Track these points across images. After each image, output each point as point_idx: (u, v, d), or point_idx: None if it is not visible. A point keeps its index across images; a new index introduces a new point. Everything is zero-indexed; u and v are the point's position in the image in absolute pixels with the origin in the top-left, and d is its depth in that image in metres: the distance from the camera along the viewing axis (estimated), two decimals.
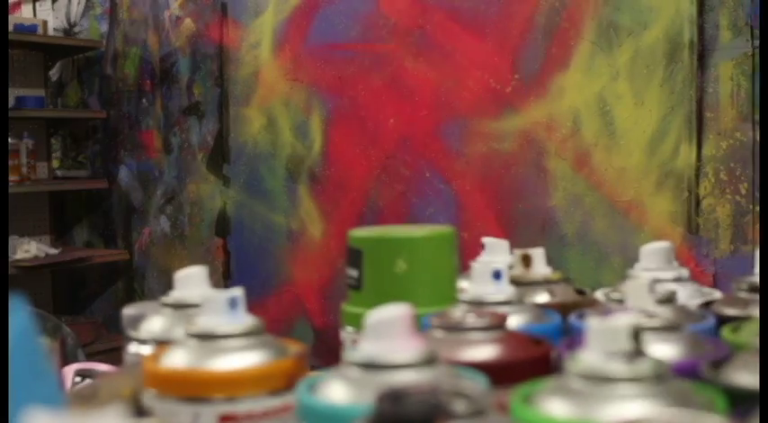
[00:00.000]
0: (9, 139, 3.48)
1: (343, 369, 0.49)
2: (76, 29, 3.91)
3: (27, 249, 3.55)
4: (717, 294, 0.82)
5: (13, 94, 3.72)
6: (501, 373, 0.52)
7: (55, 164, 4.03)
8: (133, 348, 0.72)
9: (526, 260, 0.85)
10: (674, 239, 2.28)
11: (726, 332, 0.63)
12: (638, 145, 2.40)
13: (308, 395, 0.49)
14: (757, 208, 2.21)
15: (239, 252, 3.33)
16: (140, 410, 0.58)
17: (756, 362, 0.49)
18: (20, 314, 0.45)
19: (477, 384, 0.47)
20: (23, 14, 4.02)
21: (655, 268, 0.83)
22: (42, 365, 0.46)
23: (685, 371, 0.49)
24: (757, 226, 2.21)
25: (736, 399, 0.46)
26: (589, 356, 0.45)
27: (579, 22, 2.49)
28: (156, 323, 0.72)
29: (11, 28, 3.56)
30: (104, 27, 3.79)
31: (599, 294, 0.84)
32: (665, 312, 0.60)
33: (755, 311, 0.70)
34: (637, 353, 0.44)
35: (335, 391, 0.48)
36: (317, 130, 3.08)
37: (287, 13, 3.13)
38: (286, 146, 3.17)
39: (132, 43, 3.68)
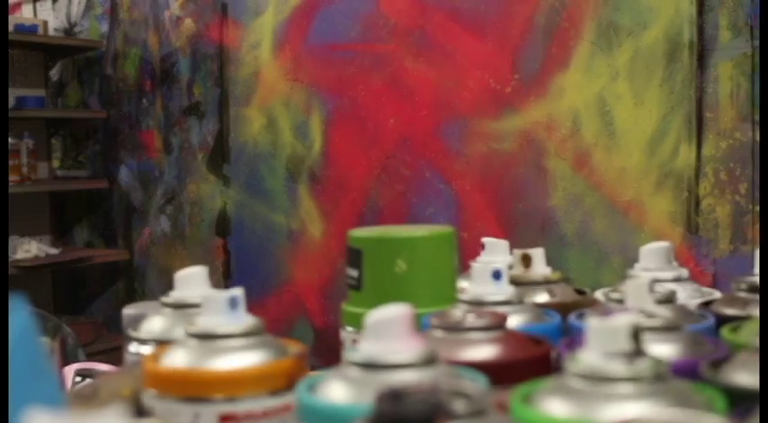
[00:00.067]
0: (9, 139, 3.48)
1: (343, 369, 0.50)
2: (77, 29, 3.91)
3: (27, 249, 3.56)
4: (716, 294, 0.82)
5: (14, 94, 3.72)
6: (501, 373, 0.52)
7: (55, 164, 4.03)
8: (133, 348, 0.72)
9: (526, 260, 0.85)
10: (674, 239, 2.28)
11: (725, 332, 0.63)
12: (637, 145, 2.40)
13: (308, 395, 0.49)
14: (757, 208, 2.21)
15: (239, 252, 3.33)
16: (140, 410, 0.58)
17: (756, 361, 0.49)
18: (20, 314, 0.45)
19: (477, 384, 0.47)
20: (24, 14, 4.02)
21: (654, 268, 0.83)
22: (42, 365, 0.46)
23: (685, 371, 0.49)
24: (757, 226, 2.21)
25: (735, 398, 0.46)
26: (589, 356, 0.45)
27: (579, 22, 2.49)
28: (156, 323, 0.72)
29: (11, 28, 3.56)
30: (105, 27, 3.79)
31: (599, 294, 0.84)
32: (664, 312, 0.60)
33: (755, 311, 0.70)
34: (636, 353, 0.45)
35: (335, 391, 0.48)
36: (317, 130, 3.08)
37: (287, 13, 3.13)
38: (286, 146, 3.17)
39: (132, 43, 3.68)
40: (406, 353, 0.48)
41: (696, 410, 0.42)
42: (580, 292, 0.86)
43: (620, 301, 0.68)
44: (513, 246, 0.93)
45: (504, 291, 0.69)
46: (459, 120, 2.74)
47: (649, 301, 0.60)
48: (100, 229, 3.88)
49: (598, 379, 0.44)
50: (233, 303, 0.59)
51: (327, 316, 3.06)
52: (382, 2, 2.89)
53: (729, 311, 0.72)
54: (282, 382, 0.56)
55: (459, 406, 0.39)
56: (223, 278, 3.34)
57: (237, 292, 0.60)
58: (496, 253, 0.94)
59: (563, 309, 0.74)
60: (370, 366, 0.48)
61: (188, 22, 3.45)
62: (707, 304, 0.77)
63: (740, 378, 0.49)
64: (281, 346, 0.60)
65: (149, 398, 0.57)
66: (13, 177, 3.51)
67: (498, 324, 0.59)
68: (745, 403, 0.45)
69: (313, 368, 0.61)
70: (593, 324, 0.46)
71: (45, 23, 3.84)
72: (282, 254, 3.19)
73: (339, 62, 3.00)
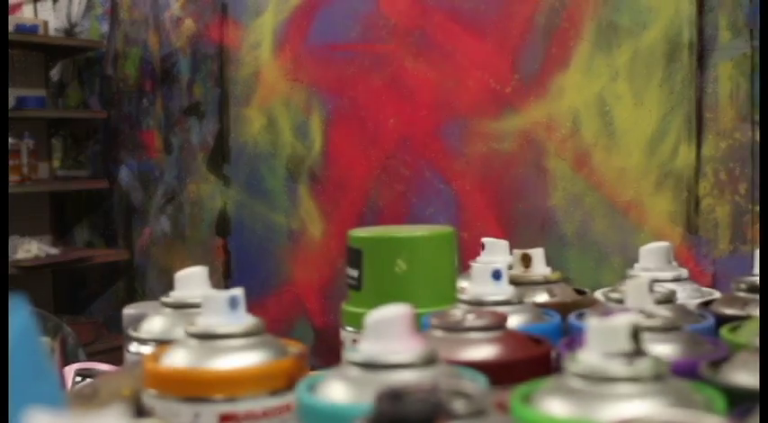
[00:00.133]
0: (10, 140, 3.48)
1: (343, 369, 0.50)
2: (77, 29, 3.91)
3: (28, 249, 3.56)
4: (716, 294, 0.82)
5: (14, 94, 3.72)
6: (501, 373, 0.52)
7: (56, 164, 4.03)
8: (133, 348, 0.72)
9: (526, 260, 0.85)
10: (674, 239, 2.28)
11: (725, 332, 0.63)
12: (637, 145, 2.40)
13: (308, 395, 0.49)
14: (756, 208, 2.21)
15: (239, 252, 3.33)
16: (140, 410, 0.58)
17: (756, 361, 0.49)
18: (20, 314, 0.45)
19: (477, 384, 0.47)
20: (24, 15, 4.02)
21: (654, 268, 0.83)
22: (43, 365, 0.46)
23: (684, 370, 0.49)
24: (756, 226, 2.21)
25: (735, 398, 0.46)
26: (589, 356, 0.45)
27: (579, 22, 2.49)
28: (156, 323, 0.72)
29: (12, 28, 3.56)
30: (105, 27, 3.79)
31: (598, 294, 0.84)
32: (664, 312, 0.60)
33: (754, 311, 0.70)
34: (636, 353, 0.45)
35: (335, 390, 0.48)
36: (317, 130, 3.08)
37: (287, 13, 3.13)
38: (286, 146, 3.17)
39: (133, 43, 3.68)
40: (405, 353, 0.48)
41: (696, 410, 0.42)
42: (580, 292, 0.86)
43: (620, 301, 0.68)
44: (512, 246, 0.93)
45: (503, 291, 0.69)
46: (459, 120, 2.74)
47: (649, 301, 0.60)
48: (100, 229, 3.88)
49: (598, 379, 0.44)
50: (233, 303, 0.59)
51: (327, 316, 3.06)
52: (382, 2, 2.89)
53: (729, 311, 0.72)
54: (282, 382, 0.56)
55: (459, 406, 0.39)
56: (223, 278, 3.34)
57: (237, 292, 0.60)
58: (496, 253, 0.94)
59: (563, 309, 0.74)
60: (370, 366, 0.48)
61: (188, 22, 3.45)
62: (706, 304, 0.77)
63: (740, 378, 0.49)
64: (281, 346, 0.60)
65: (149, 398, 0.57)
66: (13, 177, 3.51)
67: (498, 324, 0.59)
68: (745, 403, 0.45)
69: (313, 368, 0.61)
70: (592, 324, 0.46)
71: (45, 24, 3.84)
72: (282, 254, 3.19)
73: (339, 62, 3.00)
